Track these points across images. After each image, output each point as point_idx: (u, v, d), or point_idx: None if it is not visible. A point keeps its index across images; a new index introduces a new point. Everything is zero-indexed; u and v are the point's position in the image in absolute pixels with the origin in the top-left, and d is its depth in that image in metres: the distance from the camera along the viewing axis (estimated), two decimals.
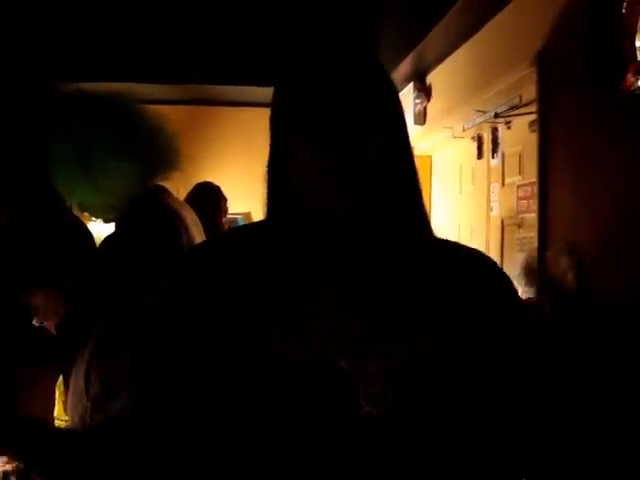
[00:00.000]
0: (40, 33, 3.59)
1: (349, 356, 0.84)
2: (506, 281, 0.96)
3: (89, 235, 1.68)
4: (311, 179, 0.86)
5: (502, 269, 0.97)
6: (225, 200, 3.75)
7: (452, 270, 0.92)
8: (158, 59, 4.41)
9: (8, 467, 1.70)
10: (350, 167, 0.85)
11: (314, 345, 0.85)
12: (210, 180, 3.76)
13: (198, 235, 1.82)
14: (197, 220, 1.96)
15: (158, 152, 1.83)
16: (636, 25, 1.98)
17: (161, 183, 1.91)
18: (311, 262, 0.90)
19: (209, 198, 3.61)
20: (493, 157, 3.86)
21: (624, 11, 2.01)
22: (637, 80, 1.98)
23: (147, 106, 1.89)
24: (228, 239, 1.00)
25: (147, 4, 3.92)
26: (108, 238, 1.82)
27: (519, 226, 3.47)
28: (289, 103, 0.89)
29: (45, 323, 1.62)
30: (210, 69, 4.53)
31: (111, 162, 1.72)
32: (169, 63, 4.43)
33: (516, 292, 0.97)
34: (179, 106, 5.05)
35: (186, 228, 1.79)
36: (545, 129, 2.63)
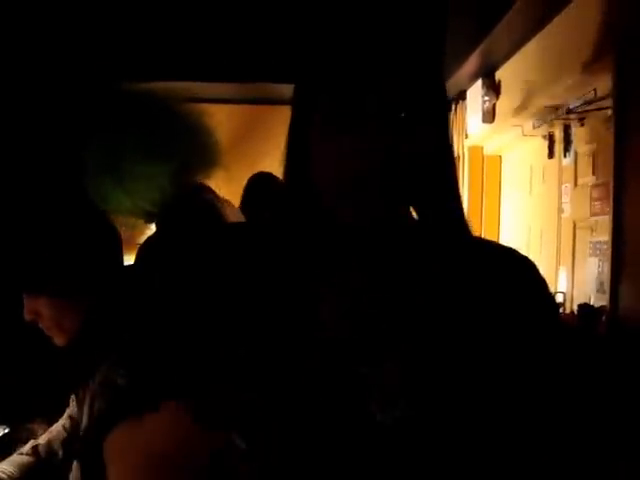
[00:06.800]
0: (91, 31, 3.60)
1: (366, 359, 0.77)
2: (538, 281, 0.87)
3: (116, 242, 1.51)
4: (329, 178, 0.78)
5: (536, 268, 0.88)
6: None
7: (479, 270, 0.84)
8: (216, 57, 4.38)
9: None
10: (371, 167, 0.76)
11: (331, 351, 0.78)
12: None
13: None
14: (241, 217, 1.90)
15: (194, 152, 1.76)
16: None
17: (202, 180, 1.84)
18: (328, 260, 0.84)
19: (267, 188, 3.49)
20: (565, 156, 3.65)
21: None
22: None
23: (188, 104, 1.82)
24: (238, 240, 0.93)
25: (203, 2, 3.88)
26: (145, 244, 1.75)
27: (592, 229, 3.26)
28: (314, 86, 0.80)
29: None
30: (269, 67, 4.46)
31: (142, 166, 1.66)
32: (228, 61, 4.40)
33: (549, 293, 0.89)
34: (239, 105, 5.02)
35: None
36: (622, 124, 2.43)
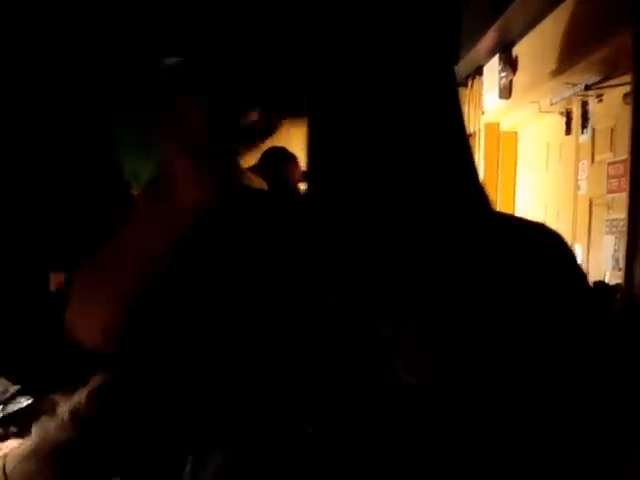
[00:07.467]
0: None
1: (390, 320, 0.78)
2: (569, 256, 0.85)
3: None
4: (345, 164, 0.79)
5: (566, 242, 0.85)
6: (296, 163, 3.66)
7: (506, 244, 0.83)
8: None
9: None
10: (384, 150, 0.77)
11: (357, 308, 0.79)
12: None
13: None
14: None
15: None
16: None
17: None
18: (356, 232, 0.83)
19: (279, 162, 3.56)
20: (582, 133, 3.63)
21: None
22: None
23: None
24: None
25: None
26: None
27: (609, 207, 3.25)
28: (327, 70, 0.81)
29: None
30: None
31: None
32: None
33: (580, 270, 0.85)
34: None
35: None
36: None
